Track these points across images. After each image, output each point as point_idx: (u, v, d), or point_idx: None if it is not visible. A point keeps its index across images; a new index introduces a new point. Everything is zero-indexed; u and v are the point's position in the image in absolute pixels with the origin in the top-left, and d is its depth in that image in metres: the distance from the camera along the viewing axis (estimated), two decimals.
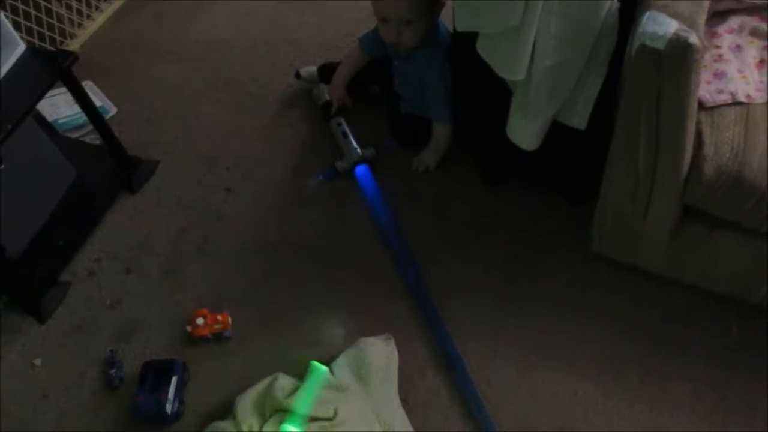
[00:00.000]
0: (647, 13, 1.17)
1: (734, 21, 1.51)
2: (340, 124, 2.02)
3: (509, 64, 1.37)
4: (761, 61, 1.44)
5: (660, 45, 1.14)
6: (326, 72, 2.11)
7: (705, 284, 1.60)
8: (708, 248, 1.50)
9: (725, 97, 1.38)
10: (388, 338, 1.61)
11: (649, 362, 1.57)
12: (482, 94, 1.62)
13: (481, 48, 1.43)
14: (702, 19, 1.19)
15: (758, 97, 1.38)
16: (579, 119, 1.47)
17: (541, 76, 1.35)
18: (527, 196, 1.85)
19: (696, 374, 1.54)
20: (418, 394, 1.56)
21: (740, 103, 1.38)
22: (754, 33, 1.48)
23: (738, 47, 1.46)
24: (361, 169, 1.93)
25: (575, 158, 1.66)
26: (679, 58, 1.14)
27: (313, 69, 2.15)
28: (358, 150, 1.95)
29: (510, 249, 1.77)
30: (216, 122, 2.12)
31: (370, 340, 1.59)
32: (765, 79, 1.41)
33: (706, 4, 1.23)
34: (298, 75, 2.16)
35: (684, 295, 1.64)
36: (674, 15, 1.16)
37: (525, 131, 1.48)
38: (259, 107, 2.14)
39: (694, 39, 1.12)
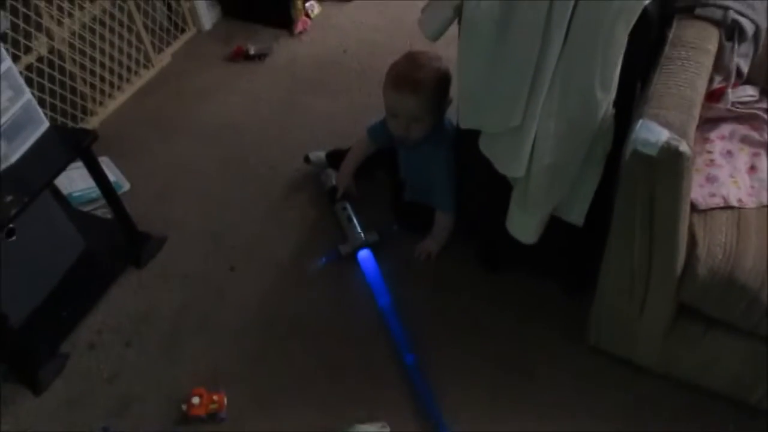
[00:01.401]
0: (641, 121, 1.23)
1: (725, 128, 1.58)
2: (345, 209, 2.07)
3: (509, 162, 1.44)
4: (752, 167, 1.50)
5: (652, 152, 1.19)
6: (334, 158, 2.19)
7: (701, 381, 1.60)
8: (704, 347, 1.51)
9: (717, 201, 1.43)
10: (383, 427, 1.60)
11: None
12: (484, 186, 1.67)
13: (483, 145, 1.50)
14: (692, 128, 1.25)
15: (749, 202, 1.43)
16: (576, 216, 1.52)
17: (539, 174, 1.41)
18: (526, 286, 1.87)
19: None
20: None
21: (732, 207, 1.43)
22: (744, 140, 1.55)
23: (729, 153, 1.53)
24: (363, 253, 1.97)
25: (573, 251, 1.71)
26: (670, 165, 1.20)
27: (322, 154, 2.23)
28: (362, 234, 2.00)
29: (508, 338, 1.78)
30: (225, 201, 2.19)
31: (366, 428, 1.58)
32: (756, 184, 1.46)
33: (697, 114, 1.29)
34: (307, 159, 2.24)
35: (680, 391, 1.63)
36: (666, 124, 1.22)
37: (524, 225, 1.53)
38: (267, 189, 2.21)
39: (684, 147, 1.18)
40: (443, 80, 1.76)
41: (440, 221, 1.96)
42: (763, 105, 1.60)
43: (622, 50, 1.25)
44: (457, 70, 1.45)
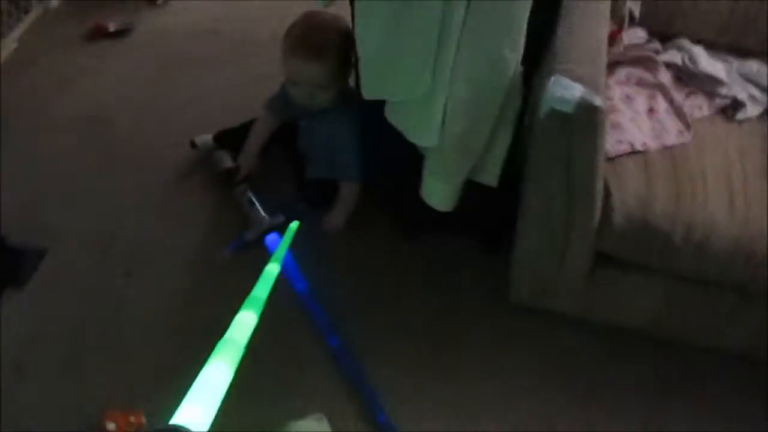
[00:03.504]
0: (552, 78, 1.20)
1: (621, 72, 1.60)
2: (245, 192, 1.94)
3: (420, 131, 1.38)
4: (650, 110, 1.53)
5: (568, 109, 1.17)
6: (224, 138, 2.04)
7: (621, 323, 1.66)
8: (622, 290, 1.55)
9: (624, 147, 1.45)
10: (320, 418, 1.53)
11: (578, 405, 1.59)
12: (394, 155, 1.60)
13: (391, 114, 1.42)
14: (602, 79, 1.25)
15: (653, 145, 1.46)
16: (490, 177, 1.49)
17: (453, 141, 1.36)
18: (445, 250, 1.85)
19: (624, 411, 1.58)
20: None
21: (637, 152, 1.45)
22: (640, 83, 1.57)
23: (628, 97, 1.55)
24: (270, 238, 1.86)
25: (487, 210, 1.69)
26: (586, 120, 1.19)
27: (209, 137, 2.06)
28: (266, 218, 1.88)
29: (431, 304, 1.75)
30: (107, 200, 1.98)
31: (304, 423, 1.51)
32: (656, 126, 1.49)
33: (603, 64, 1.28)
34: (193, 145, 2.06)
35: (601, 335, 1.68)
36: (578, 78, 1.20)
37: (440, 194, 1.48)
38: (153, 181, 2.03)
39: (599, 101, 1.17)
40: (347, 42, 1.63)
41: (346, 192, 1.87)
42: (654, 46, 1.63)
43: (529, 7, 1.21)
44: (356, 40, 1.35)
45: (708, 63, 1.56)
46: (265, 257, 1.77)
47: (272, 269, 0.89)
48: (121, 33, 2.49)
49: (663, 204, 1.38)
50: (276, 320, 1.67)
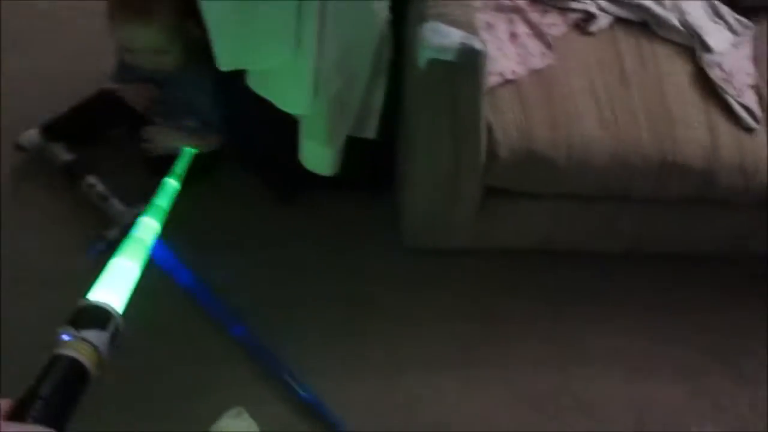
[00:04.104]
0: (426, 24, 1.13)
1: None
2: (92, 186, 1.71)
3: (291, 99, 1.26)
4: (512, 35, 1.51)
5: (449, 57, 1.12)
6: (54, 129, 1.77)
7: (515, 245, 1.70)
8: (512, 217, 1.58)
9: (497, 79, 1.42)
10: (240, 412, 1.46)
11: (489, 336, 1.64)
12: (263, 121, 1.47)
13: (255, 84, 1.29)
14: (475, 18, 1.20)
15: (521, 70, 1.46)
16: (369, 130, 1.43)
17: (329, 104, 1.27)
18: (323, 208, 1.77)
19: (532, 323, 1.66)
20: None
21: (509, 81, 1.44)
22: (498, 9, 1.54)
23: (489, 25, 1.51)
24: None
25: (367, 160, 1.62)
26: (469, 66, 1.14)
27: (35, 132, 1.78)
28: (126, 210, 1.68)
29: (329, 267, 1.69)
30: None
31: (223, 423, 1.42)
32: (521, 51, 1.48)
33: (474, 2, 1.23)
34: (20, 148, 1.76)
35: (498, 260, 1.72)
36: (452, 21, 1.14)
37: (321, 158, 1.39)
38: None
39: (479, 44, 1.12)
40: None
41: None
42: None
43: None
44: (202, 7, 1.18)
45: None
46: None
47: (171, 182, 0.78)
48: None
49: (542, 130, 1.39)
50: (169, 319, 1.56)
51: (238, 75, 1.34)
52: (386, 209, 1.73)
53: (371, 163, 1.66)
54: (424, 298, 1.67)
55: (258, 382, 1.53)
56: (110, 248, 1.63)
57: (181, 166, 0.79)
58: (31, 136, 1.77)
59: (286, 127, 1.42)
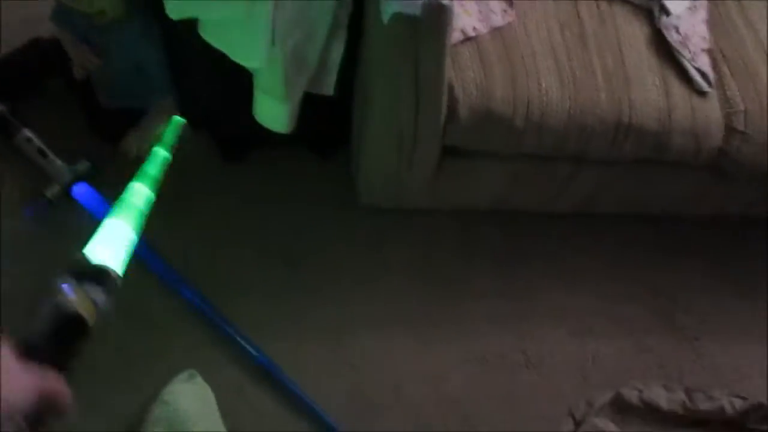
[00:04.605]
0: None
1: None
2: (29, 140, 1.61)
3: (246, 51, 1.20)
4: None
5: (415, 11, 1.08)
6: None
7: (468, 205, 1.70)
8: (469, 177, 1.57)
9: (458, 35, 1.39)
10: (192, 375, 1.43)
11: (442, 295, 1.64)
12: (212, 68, 1.39)
13: (208, 34, 1.22)
14: None
15: (483, 28, 1.43)
16: (327, 87, 1.38)
17: (286, 57, 1.21)
18: (272, 166, 1.71)
19: (480, 291, 1.67)
20: (245, 417, 1.44)
21: (470, 39, 1.41)
22: None
23: None
24: (79, 189, 1.59)
25: (321, 117, 1.57)
26: (435, 21, 1.11)
27: None
28: (66, 167, 1.59)
29: (280, 227, 1.66)
30: None
31: (175, 388, 1.39)
32: (482, 8, 1.45)
33: None
34: None
35: (452, 220, 1.72)
36: None
37: (277, 114, 1.34)
38: None
39: (446, 0, 1.09)
40: None
41: (158, 111, 1.61)
42: None
43: None
44: None
45: None
46: (80, 214, 1.56)
47: (162, 151, 0.73)
48: None
49: (502, 89, 1.37)
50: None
51: (187, 25, 1.26)
52: (340, 167, 1.70)
53: (325, 120, 1.62)
54: (377, 257, 1.66)
55: (210, 346, 1.51)
56: (50, 207, 1.56)
57: (170, 135, 0.73)
58: None
59: (238, 81, 1.35)
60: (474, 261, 1.70)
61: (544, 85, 1.41)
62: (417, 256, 1.68)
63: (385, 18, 1.10)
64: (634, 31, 1.50)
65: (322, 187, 1.72)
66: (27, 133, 1.61)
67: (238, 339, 1.50)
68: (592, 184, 1.59)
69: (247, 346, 1.50)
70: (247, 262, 1.60)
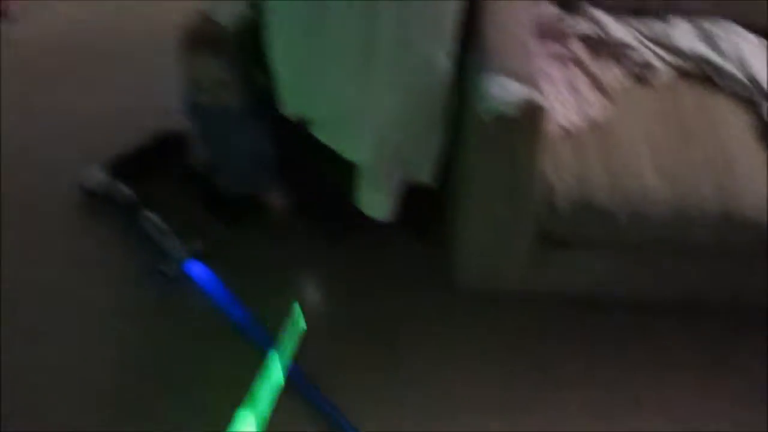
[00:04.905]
0: (489, 78, 1.15)
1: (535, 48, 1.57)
2: (150, 219, 1.76)
3: (354, 147, 1.28)
4: (571, 85, 1.51)
5: (510, 111, 1.13)
6: (121, 167, 1.83)
7: (565, 292, 1.67)
8: (567, 265, 1.56)
9: (554, 129, 1.43)
10: None
11: (536, 381, 1.61)
12: (319, 164, 1.49)
13: (319, 132, 1.31)
14: (536, 72, 1.20)
15: (579, 121, 1.46)
16: (426, 175, 1.44)
17: (389, 152, 1.28)
18: (373, 249, 1.77)
19: (575, 378, 1.62)
20: None
21: (568, 131, 1.44)
22: (555, 57, 1.55)
23: (546, 74, 1.52)
24: (192, 267, 1.72)
25: (419, 203, 1.63)
26: (529, 120, 1.15)
27: (98, 171, 1.84)
28: (182, 245, 1.72)
29: (379, 309, 1.69)
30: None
31: None
32: (579, 101, 1.48)
33: (533, 54, 1.24)
34: (85, 189, 1.83)
35: (547, 304, 1.69)
36: (512, 74, 1.15)
37: (381, 204, 1.41)
38: (46, 229, 1.80)
39: (540, 99, 1.13)
40: (248, 32, 1.44)
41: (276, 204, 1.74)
42: (560, 16, 1.61)
43: (458, 5, 1.13)
44: (269, 50, 1.22)
45: (617, 29, 1.56)
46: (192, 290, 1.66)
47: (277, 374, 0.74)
48: None
49: (600, 181, 1.39)
50: (219, 356, 1.57)
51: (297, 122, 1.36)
52: (436, 251, 1.73)
53: (422, 205, 1.67)
54: (471, 340, 1.65)
55: (305, 419, 1.52)
56: (165, 280, 1.69)
57: (290, 343, 0.76)
58: (95, 175, 1.83)
59: (340, 169, 1.44)
60: (570, 347, 1.66)
61: (643, 177, 1.40)
62: (512, 340, 1.66)
63: (486, 117, 1.15)
64: (737, 121, 1.48)
65: (418, 270, 1.75)
66: (148, 213, 1.77)
67: (336, 416, 1.51)
68: (694, 274, 1.54)
69: (346, 425, 1.51)
70: (347, 339, 1.63)
